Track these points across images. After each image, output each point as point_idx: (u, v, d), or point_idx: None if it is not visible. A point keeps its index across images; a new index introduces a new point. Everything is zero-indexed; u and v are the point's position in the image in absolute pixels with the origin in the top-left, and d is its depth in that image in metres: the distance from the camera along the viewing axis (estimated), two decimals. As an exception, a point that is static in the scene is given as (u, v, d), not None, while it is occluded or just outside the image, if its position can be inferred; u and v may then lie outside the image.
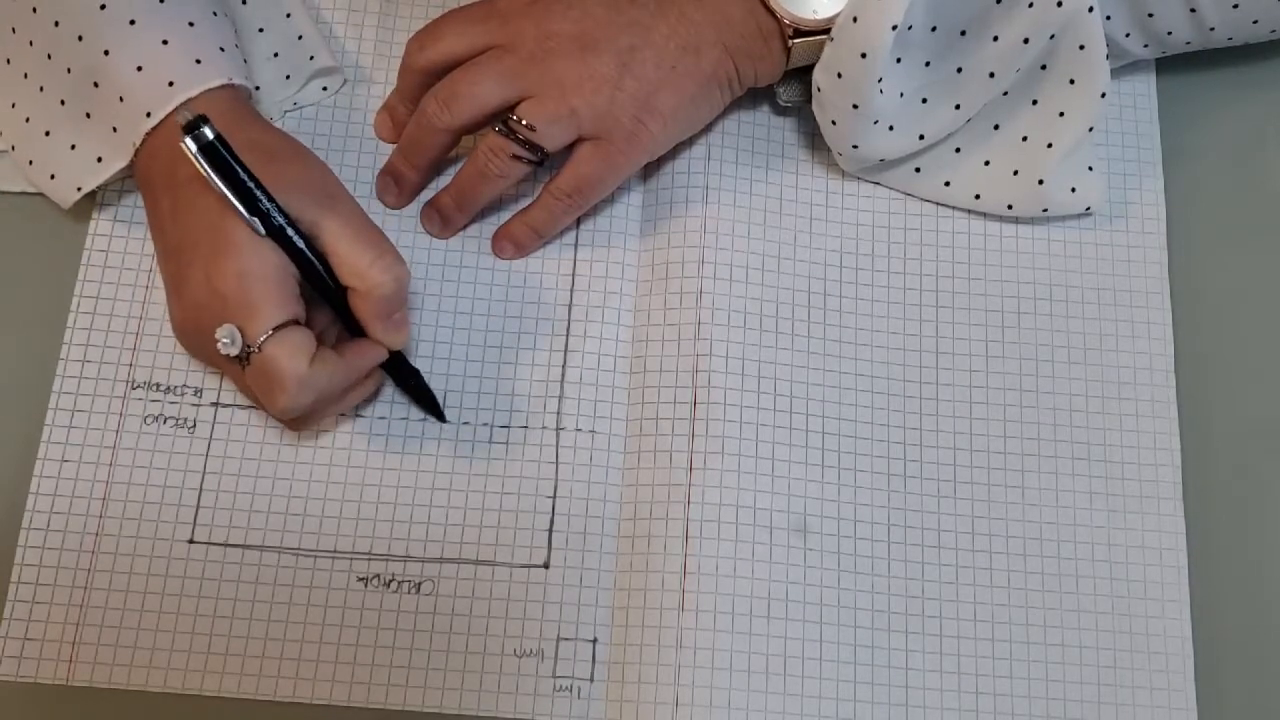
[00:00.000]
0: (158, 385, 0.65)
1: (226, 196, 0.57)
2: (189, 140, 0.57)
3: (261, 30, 0.69)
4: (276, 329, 0.58)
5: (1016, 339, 0.68)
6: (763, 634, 0.62)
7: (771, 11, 0.64)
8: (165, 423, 0.65)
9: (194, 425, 0.65)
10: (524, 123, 0.63)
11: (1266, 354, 0.68)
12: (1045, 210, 0.68)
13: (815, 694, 0.61)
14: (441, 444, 0.65)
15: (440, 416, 0.65)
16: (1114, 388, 0.67)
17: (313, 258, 0.60)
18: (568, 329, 0.67)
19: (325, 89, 0.71)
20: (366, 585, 0.63)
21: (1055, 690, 0.62)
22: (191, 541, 0.63)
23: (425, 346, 0.66)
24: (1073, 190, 0.68)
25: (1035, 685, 0.62)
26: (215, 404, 0.65)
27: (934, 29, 0.64)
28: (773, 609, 0.62)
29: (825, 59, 0.63)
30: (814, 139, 0.70)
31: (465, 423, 0.65)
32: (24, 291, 0.67)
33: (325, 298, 0.61)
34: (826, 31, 0.63)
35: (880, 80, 0.63)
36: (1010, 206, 0.68)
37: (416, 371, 0.65)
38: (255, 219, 0.58)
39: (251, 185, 0.57)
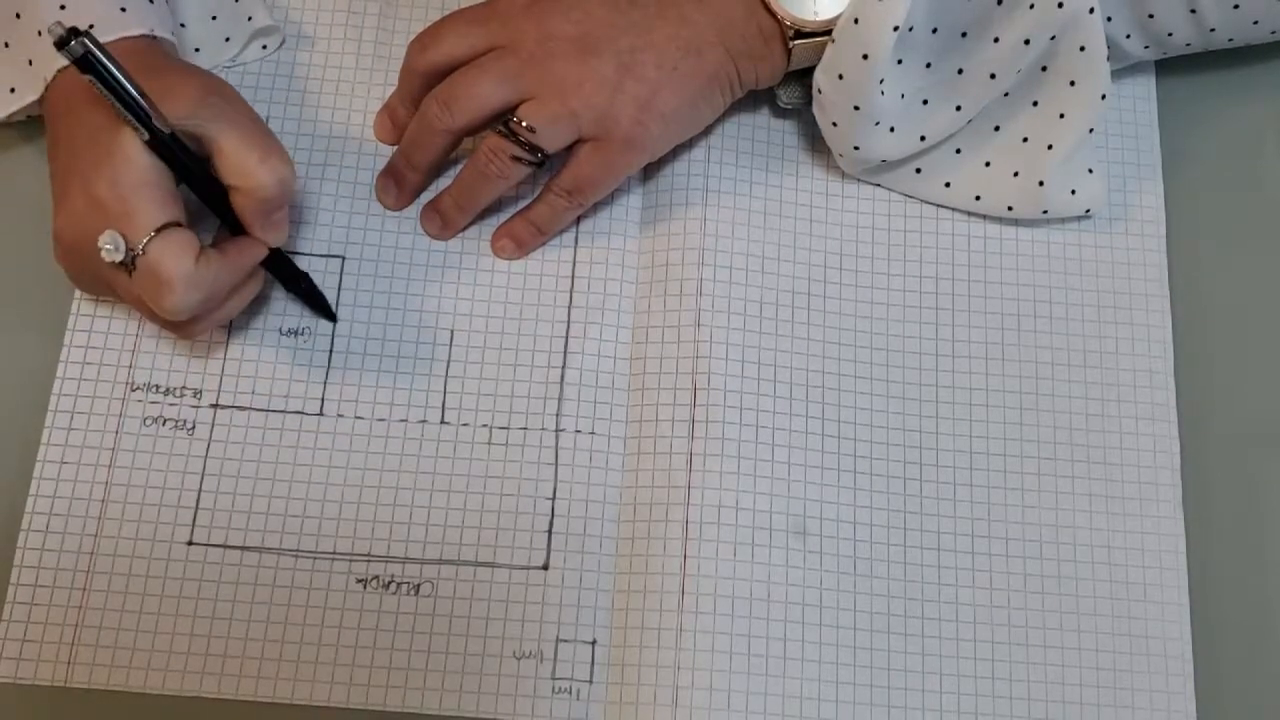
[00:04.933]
0: (157, 387, 0.65)
1: (108, 99, 0.56)
2: (62, 54, 0.55)
3: None
4: (158, 230, 0.58)
5: (1016, 341, 0.68)
6: (762, 635, 0.62)
7: (772, 13, 0.64)
8: (165, 424, 0.65)
9: (193, 427, 0.65)
10: (524, 124, 0.63)
11: (1266, 357, 0.68)
12: (1045, 212, 0.68)
13: (815, 695, 0.61)
14: (441, 444, 0.65)
15: (330, 316, 0.66)
16: (1113, 390, 0.67)
17: (191, 162, 0.59)
18: (567, 329, 0.67)
19: (265, 47, 0.71)
20: (365, 587, 0.63)
21: (1055, 692, 0.62)
22: (191, 543, 0.63)
23: (425, 348, 0.66)
24: (1073, 192, 0.68)
25: (1035, 687, 0.62)
26: (215, 405, 0.65)
27: (935, 30, 0.64)
28: (772, 610, 0.62)
29: (826, 60, 0.63)
30: (814, 141, 0.70)
31: (465, 423, 0.65)
32: (24, 292, 0.67)
33: (206, 201, 0.61)
34: (827, 33, 0.63)
35: (881, 82, 0.63)
36: (1010, 208, 0.68)
37: (305, 274, 0.65)
38: (135, 120, 0.57)
39: (131, 89, 0.56)
